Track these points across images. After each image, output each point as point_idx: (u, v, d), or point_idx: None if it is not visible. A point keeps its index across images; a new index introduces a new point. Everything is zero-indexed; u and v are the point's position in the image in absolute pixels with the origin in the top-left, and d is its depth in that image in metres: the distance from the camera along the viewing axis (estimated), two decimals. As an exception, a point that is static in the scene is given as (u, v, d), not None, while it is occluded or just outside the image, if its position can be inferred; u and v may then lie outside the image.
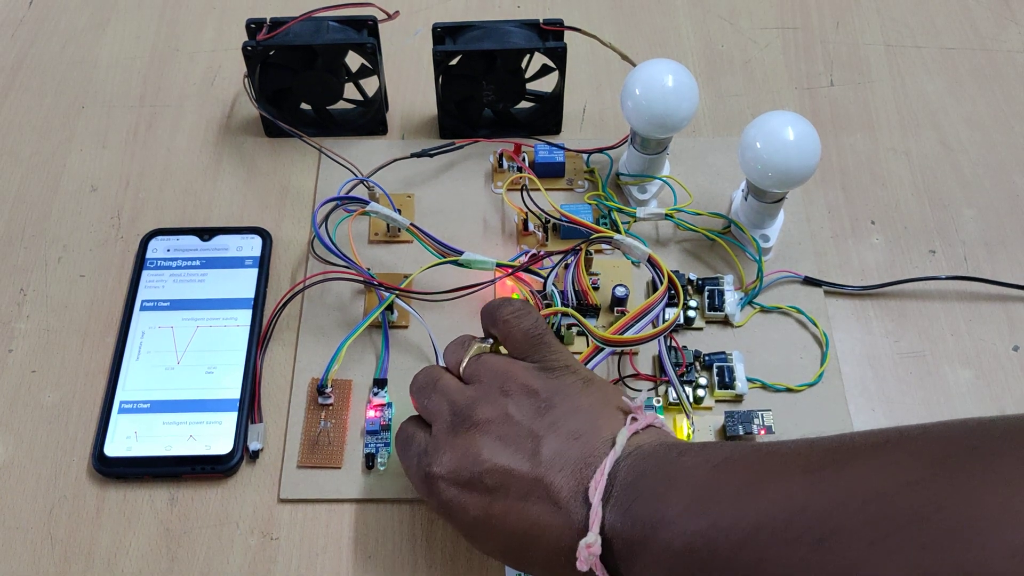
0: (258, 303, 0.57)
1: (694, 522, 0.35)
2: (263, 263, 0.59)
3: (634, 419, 0.42)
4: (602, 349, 0.50)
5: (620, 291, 0.55)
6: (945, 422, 0.32)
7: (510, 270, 0.55)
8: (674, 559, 0.35)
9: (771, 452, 0.36)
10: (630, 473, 0.39)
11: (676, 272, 0.55)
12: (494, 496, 0.41)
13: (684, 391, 0.52)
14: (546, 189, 0.59)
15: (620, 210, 0.59)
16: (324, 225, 0.57)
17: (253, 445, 0.51)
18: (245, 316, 0.56)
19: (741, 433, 0.51)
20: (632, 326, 0.50)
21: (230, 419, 0.52)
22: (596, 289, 0.56)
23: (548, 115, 0.65)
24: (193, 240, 0.60)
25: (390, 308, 0.56)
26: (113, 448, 0.51)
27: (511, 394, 0.43)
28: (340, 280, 0.57)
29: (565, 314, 0.53)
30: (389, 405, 0.53)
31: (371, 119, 0.65)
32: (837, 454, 0.33)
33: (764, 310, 0.57)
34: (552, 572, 0.41)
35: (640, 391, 0.53)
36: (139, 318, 0.56)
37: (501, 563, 0.47)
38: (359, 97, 0.64)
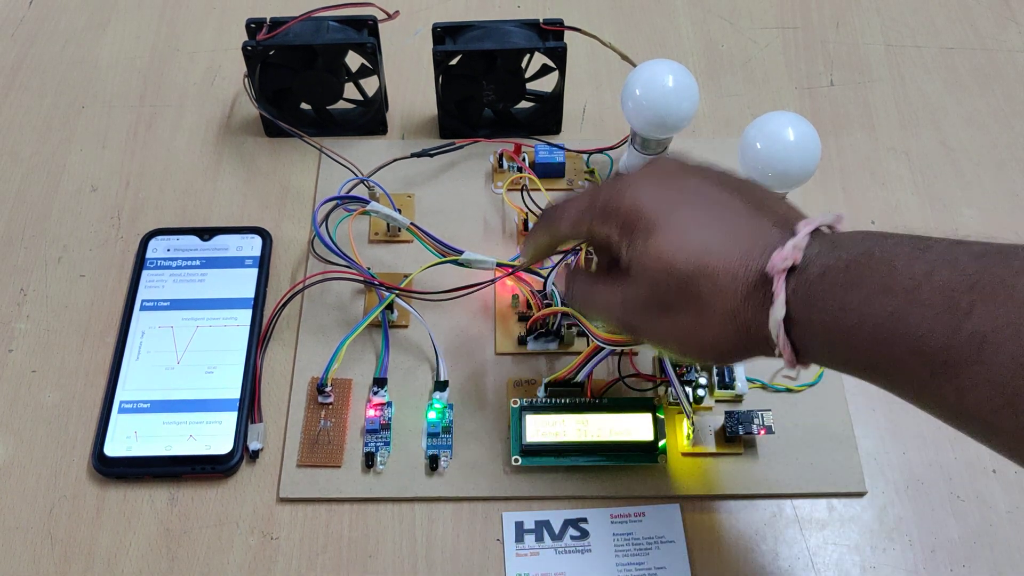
0: (258, 303, 0.57)
1: (884, 305, 0.34)
2: (263, 263, 0.59)
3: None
4: (602, 349, 0.50)
5: (620, 291, 0.55)
6: None
7: (510, 270, 0.55)
8: (853, 346, 0.35)
9: (1007, 257, 0.34)
10: (812, 256, 0.37)
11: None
12: (680, 196, 0.41)
13: (684, 391, 0.52)
14: (546, 189, 0.59)
15: (620, 210, 0.59)
16: (324, 225, 0.57)
17: (253, 445, 0.51)
18: (245, 316, 0.56)
19: (741, 434, 0.51)
20: (632, 326, 0.50)
21: (230, 419, 0.52)
22: (596, 289, 0.56)
23: (548, 115, 0.65)
24: (193, 240, 0.60)
25: (390, 307, 0.56)
26: (113, 448, 0.51)
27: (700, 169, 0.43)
28: (340, 279, 0.57)
29: (565, 314, 0.53)
30: (389, 404, 0.53)
31: (371, 119, 0.65)
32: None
33: (764, 310, 0.57)
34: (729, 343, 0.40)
35: (644, 390, 0.53)
36: (139, 318, 0.56)
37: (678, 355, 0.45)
38: (359, 97, 0.64)
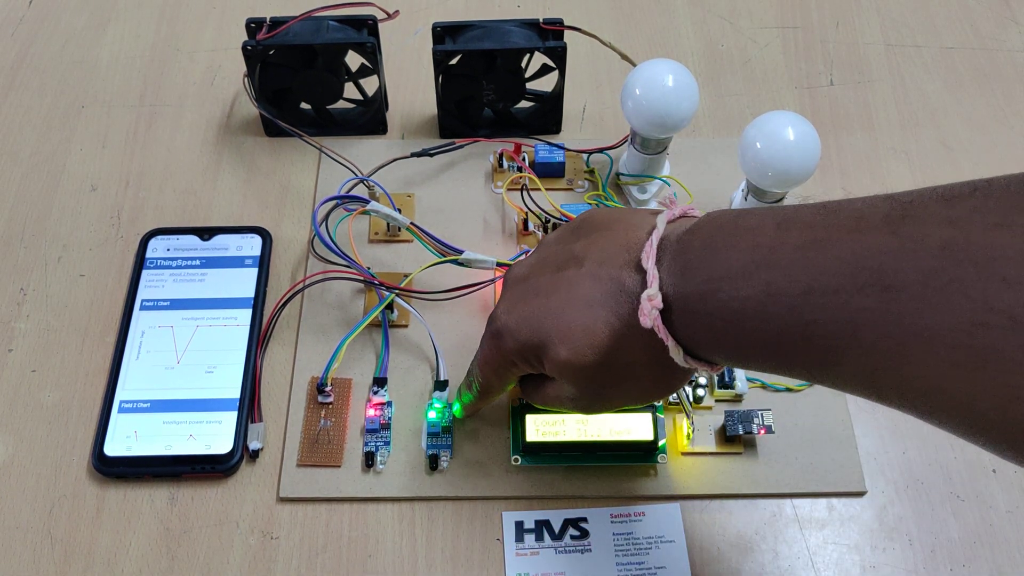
0: (258, 302, 0.57)
1: (753, 279, 0.34)
2: (263, 262, 0.59)
3: (669, 210, 0.41)
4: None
5: (620, 290, 0.55)
6: None
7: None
8: (731, 318, 0.35)
9: (841, 209, 0.34)
10: (685, 240, 0.38)
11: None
12: (548, 296, 0.41)
13: (684, 391, 0.52)
14: (546, 189, 0.59)
15: (620, 210, 0.59)
16: (324, 224, 0.57)
17: (253, 444, 0.51)
18: (245, 315, 0.56)
19: (741, 433, 0.51)
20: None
21: (230, 418, 0.52)
22: (596, 288, 0.56)
23: (548, 115, 0.65)
24: (193, 240, 0.60)
25: (390, 307, 0.56)
26: (113, 447, 0.51)
27: (539, 245, 0.46)
28: (340, 279, 0.57)
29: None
30: (389, 404, 0.53)
31: (371, 118, 0.65)
32: (914, 207, 0.31)
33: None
34: (619, 363, 0.40)
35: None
36: (139, 317, 0.56)
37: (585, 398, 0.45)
38: (359, 96, 0.64)
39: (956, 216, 0.29)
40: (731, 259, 0.35)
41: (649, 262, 0.38)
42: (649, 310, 0.37)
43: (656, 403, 0.52)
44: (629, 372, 0.41)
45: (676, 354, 0.38)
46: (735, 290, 0.35)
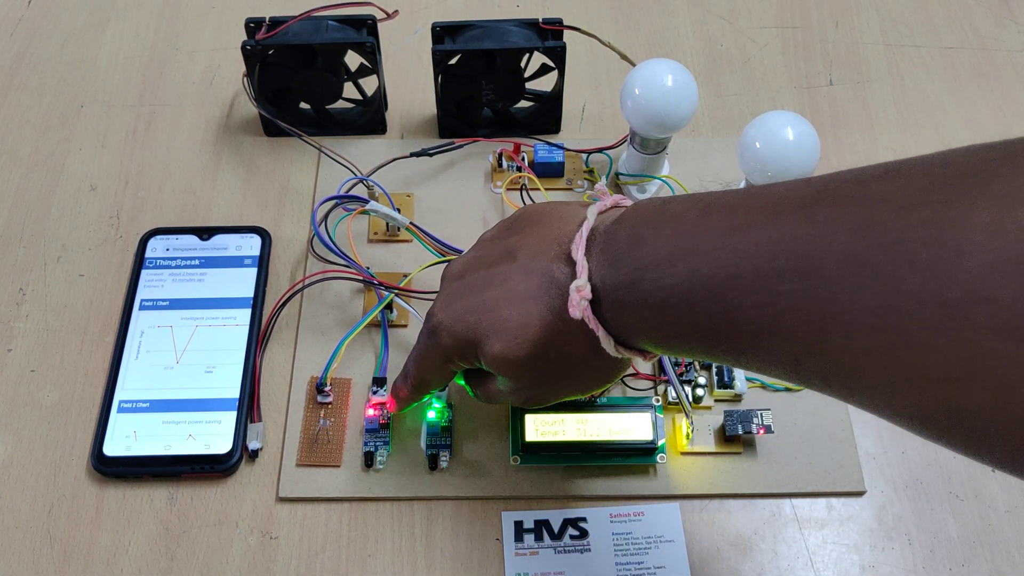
0: (257, 302, 0.57)
1: (677, 266, 0.34)
2: (262, 262, 0.59)
3: (600, 201, 0.41)
4: (601, 348, 0.50)
5: (619, 290, 0.55)
6: (946, 151, 0.30)
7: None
8: (657, 306, 0.35)
9: (761, 193, 0.34)
10: (612, 230, 0.38)
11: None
12: (483, 291, 0.42)
13: (683, 390, 0.52)
14: (545, 189, 0.59)
15: (619, 209, 0.59)
16: (323, 224, 0.57)
17: (252, 444, 0.51)
18: (244, 315, 0.56)
19: (740, 433, 0.51)
20: (631, 325, 0.50)
21: (229, 418, 0.52)
22: (595, 288, 0.56)
23: (547, 115, 0.65)
24: (192, 239, 0.60)
25: (389, 307, 0.56)
26: (112, 447, 0.51)
27: (477, 242, 0.46)
28: (339, 279, 0.57)
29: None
30: (388, 404, 0.53)
31: (370, 118, 0.65)
32: (829, 190, 0.32)
33: (763, 309, 0.57)
34: (549, 356, 0.41)
35: (643, 389, 0.53)
36: (138, 317, 0.56)
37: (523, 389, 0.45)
38: (358, 96, 0.64)
39: (867, 197, 0.30)
40: (655, 247, 0.36)
41: (578, 253, 0.38)
42: (578, 301, 0.37)
43: (655, 403, 0.52)
44: (564, 365, 0.41)
45: (607, 344, 0.38)
46: (660, 278, 0.35)
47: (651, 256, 0.36)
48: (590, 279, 0.38)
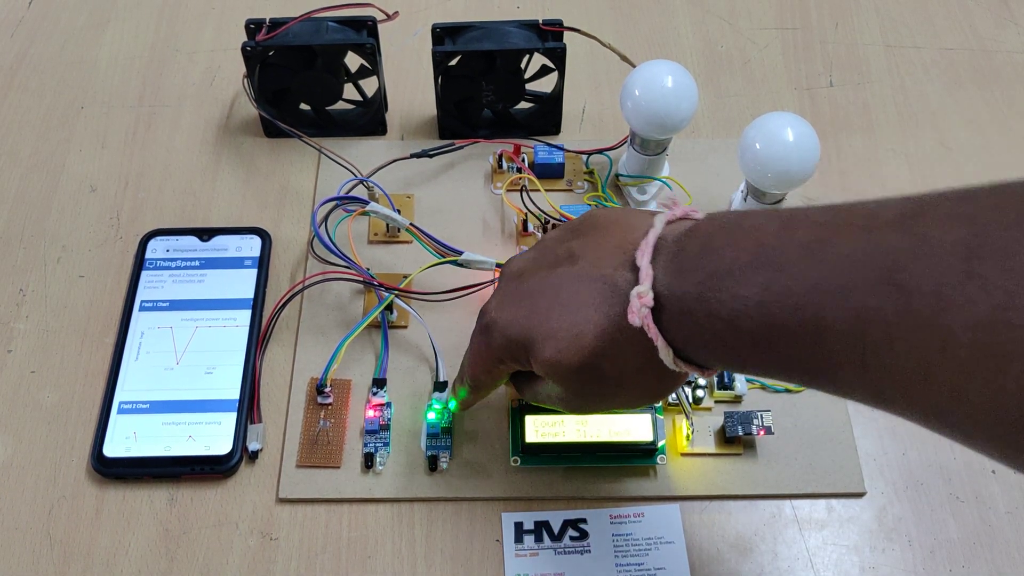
0: (257, 303, 0.57)
1: (754, 276, 0.33)
2: (262, 263, 0.59)
3: (669, 211, 0.39)
4: (601, 349, 0.50)
5: (619, 291, 0.55)
6: None
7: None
8: (728, 318, 0.34)
9: (850, 208, 0.33)
10: (682, 240, 0.37)
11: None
12: (539, 294, 0.41)
13: (683, 392, 0.52)
14: (545, 190, 0.59)
15: (619, 210, 0.59)
16: (324, 225, 0.57)
17: (252, 445, 0.51)
18: (244, 316, 0.56)
19: (740, 434, 0.51)
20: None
21: (229, 419, 0.52)
22: (595, 289, 0.56)
23: (547, 116, 0.65)
24: (192, 240, 0.60)
25: (389, 308, 0.56)
26: (112, 448, 0.51)
27: (539, 242, 0.45)
28: (339, 280, 0.57)
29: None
30: (388, 405, 0.53)
31: (371, 119, 0.65)
32: (929, 204, 0.30)
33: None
34: (608, 363, 0.39)
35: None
36: (138, 318, 0.56)
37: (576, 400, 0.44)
38: (358, 97, 0.64)
39: (973, 214, 0.29)
40: (731, 257, 0.34)
41: (643, 259, 0.37)
42: (639, 307, 0.36)
43: (656, 404, 0.52)
44: (618, 375, 0.40)
45: (666, 355, 0.37)
46: (734, 287, 0.34)
47: (726, 265, 0.34)
48: (654, 287, 0.36)
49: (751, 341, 0.34)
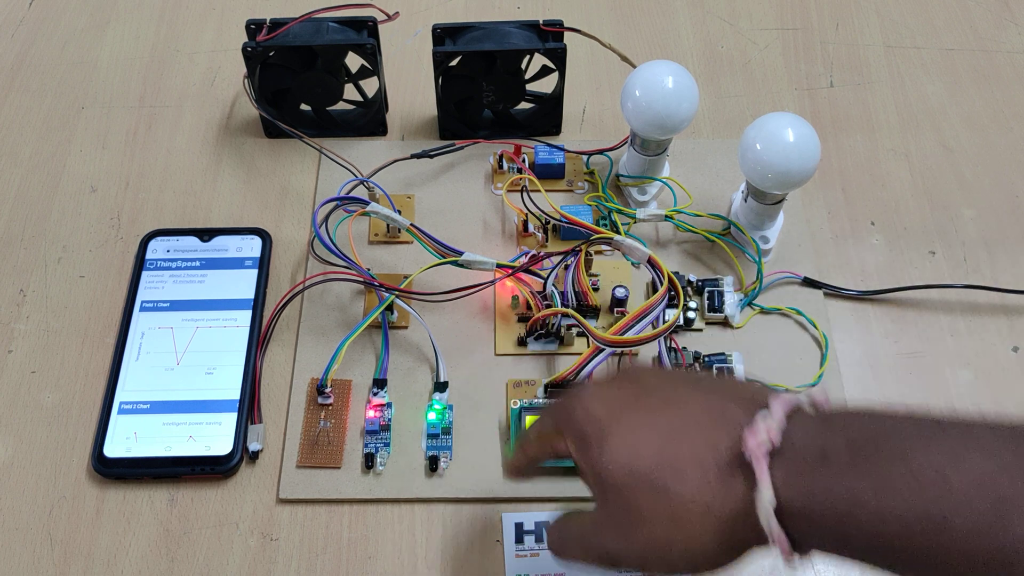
0: (258, 304, 0.57)
1: (889, 503, 0.31)
2: (263, 264, 0.59)
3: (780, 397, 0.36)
4: (602, 350, 0.50)
5: (620, 292, 0.55)
6: None
7: (510, 271, 0.55)
8: (868, 541, 0.31)
9: (980, 427, 0.32)
10: (799, 435, 0.34)
11: (676, 273, 0.55)
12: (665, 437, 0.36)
13: (684, 392, 0.52)
14: (546, 190, 0.59)
15: (620, 211, 0.59)
16: (324, 225, 0.57)
17: (253, 446, 0.51)
18: (245, 317, 0.56)
19: (741, 434, 0.50)
20: (632, 327, 0.50)
21: (230, 420, 0.52)
22: (596, 290, 0.56)
23: (548, 116, 0.65)
24: (193, 241, 0.60)
25: (390, 308, 0.56)
26: (113, 449, 0.51)
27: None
28: (340, 280, 0.57)
29: (565, 315, 0.53)
30: (389, 405, 0.53)
31: (371, 120, 0.65)
32: None
33: (764, 311, 0.57)
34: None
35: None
36: (139, 319, 0.56)
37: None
38: (359, 98, 0.64)
39: None
40: (867, 476, 0.31)
41: (760, 468, 0.33)
42: (778, 533, 0.33)
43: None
44: (681, 513, 0.35)
45: (786, 555, 0.33)
46: (885, 507, 0.31)
47: (858, 491, 0.31)
48: (775, 494, 0.33)
49: (896, 552, 0.32)
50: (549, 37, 0.60)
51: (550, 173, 0.62)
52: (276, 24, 0.59)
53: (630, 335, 0.50)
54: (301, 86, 0.62)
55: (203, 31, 0.73)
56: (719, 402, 0.37)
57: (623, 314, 0.54)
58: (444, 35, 0.60)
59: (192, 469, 0.51)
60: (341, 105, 0.64)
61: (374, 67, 0.61)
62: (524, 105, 0.64)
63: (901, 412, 0.33)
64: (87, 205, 0.62)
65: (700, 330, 0.56)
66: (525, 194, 0.59)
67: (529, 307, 0.55)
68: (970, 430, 0.32)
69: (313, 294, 0.58)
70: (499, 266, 0.54)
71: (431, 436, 0.52)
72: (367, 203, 0.56)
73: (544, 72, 0.62)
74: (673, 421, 0.36)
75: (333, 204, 0.56)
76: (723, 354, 0.54)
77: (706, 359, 0.54)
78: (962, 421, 0.32)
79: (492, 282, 0.56)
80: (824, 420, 0.34)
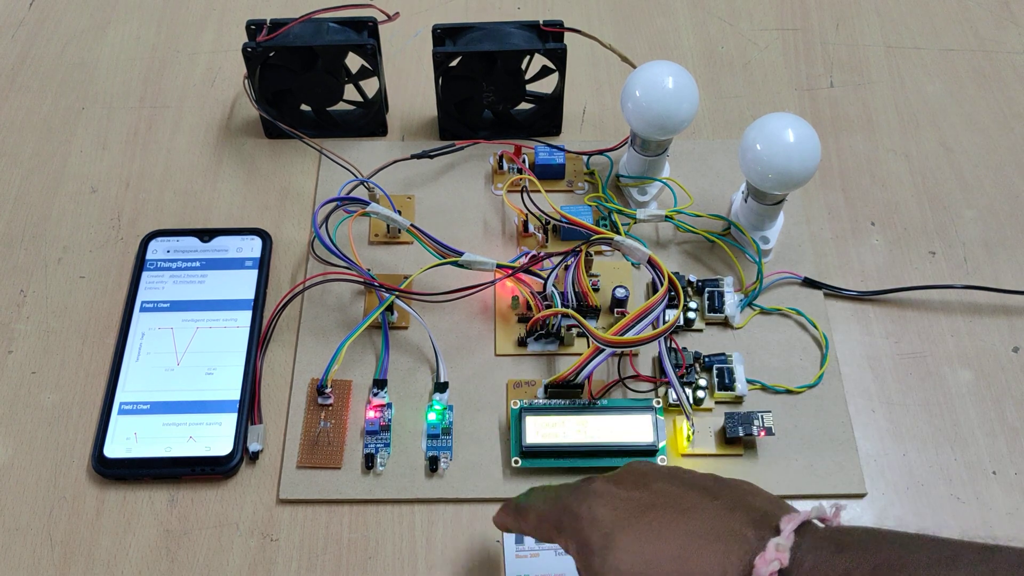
0: (258, 304, 0.57)
1: None
2: (263, 264, 0.59)
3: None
4: (602, 350, 0.50)
5: (620, 292, 0.55)
6: None
7: (510, 271, 0.55)
8: None
9: (999, 554, 0.32)
10: (811, 559, 0.34)
11: (676, 274, 0.55)
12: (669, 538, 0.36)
13: (684, 392, 0.52)
14: (546, 191, 0.59)
15: (620, 212, 0.59)
16: (324, 226, 0.57)
17: (253, 446, 0.51)
18: (245, 317, 0.56)
19: (741, 435, 0.51)
20: (632, 327, 0.50)
21: (230, 420, 0.52)
22: (596, 290, 0.56)
23: (548, 116, 0.65)
24: (193, 241, 0.60)
25: (390, 309, 0.56)
26: (113, 449, 0.51)
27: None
28: (340, 281, 0.57)
29: (565, 315, 0.53)
30: (389, 406, 0.53)
31: (371, 120, 0.65)
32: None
33: (764, 312, 0.57)
34: None
35: (644, 391, 0.53)
36: (139, 319, 0.56)
37: None
38: (359, 98, 0.64)
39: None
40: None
41: (789, 525, 0.34)
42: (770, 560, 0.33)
43: (656, 405, 0.52)
44: None
45: None
46: None
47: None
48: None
49: None
50: (549, 38, 0.60)
51: (550, 173, 0.62)
52: (276, 25, 0.59)
53: (630, 335, 0.50)
54: (301, 86, 0.62)
55: (203, 32, 0.73)
56: (730, 518, 0.36)
57: (623, 314, 0.54)
58: (444, 35, 0.60)
59: (192, 470, 0.51)
60: (341, 105, 0.64)
61: (374, 67, 0.61)
62: (524, 105, 0.64)
63: (917, 537, 0.33)
64: (87, 206, 0.62)
65: (700, 330, 0.56)
66: (525, 194, 0.58)
67: (529, 307, 0.55)
68: (989, 556, 0.31)
69: (313, 294, 0.58)
70: (499, 266, 0.54)
71: (431, 436, 0.52)
72: (367, 203, 0.56)
73: (544, 72, 0.62)
74: (683, 536, 0.36)
75: (333, 204, 0.56)
76: (723, 354, 0.54)
77: (706, 359, 0.54)
78: (979, 546, 0.32)
79: (492, 282, 0.56)
80: (838, 543, 0.34)
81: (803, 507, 0.36)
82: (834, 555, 0.33)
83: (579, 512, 0.38)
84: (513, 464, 0.51)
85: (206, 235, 0.60)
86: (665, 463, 0.50)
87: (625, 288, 0.56)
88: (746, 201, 0.58)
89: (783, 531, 0.34)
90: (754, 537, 0.35)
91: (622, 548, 0.36)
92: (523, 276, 0.55)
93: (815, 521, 0.35)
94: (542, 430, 0.50)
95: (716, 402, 0.53)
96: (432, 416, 0.52)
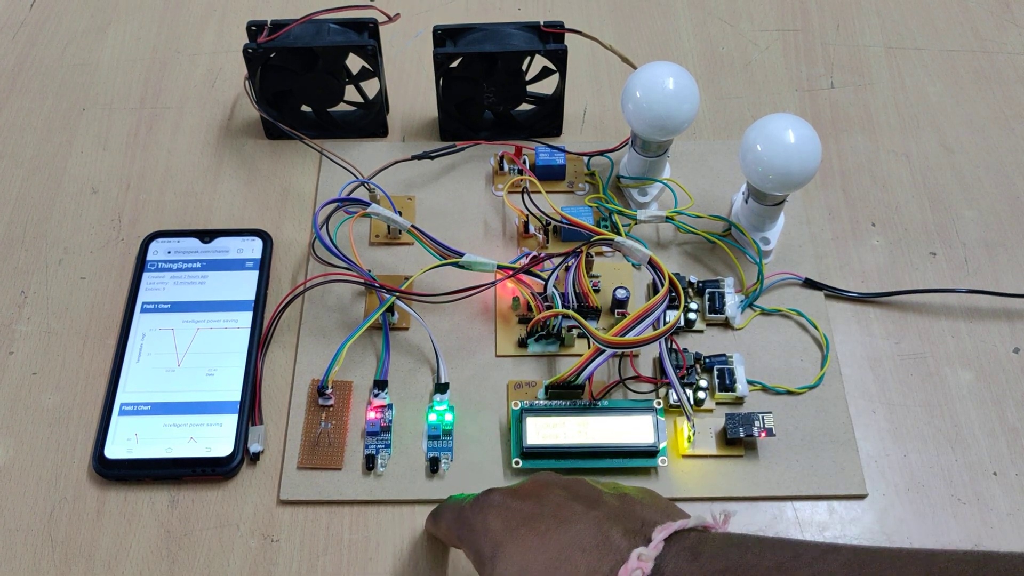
0: (259, 305, 0.57)
1: None
2: (264, 265, 0.59)
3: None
4: (603, 351, 0.50)
5: (621, 293, 0.55)
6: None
7: (511, 272, 0.55)
8: None
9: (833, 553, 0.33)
10: (671, 568, 0.35)
11: (677, 274, 0.55)
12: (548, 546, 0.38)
13: (685, 393, 0.52)
14: (547, 191, 0.59)
15: (621, 212, 0.59)
16: (325, 227, 0.57)
17: (253, 447, 0.51)
18: (246, 318, 0.56)
19: (742, 435, 0.51)
20: (633, 328, 0.50)
21: (230, 421, 0.52)
22: (597, 291, 0.56)
23: (548, 117, 0.65)
24: (194, 242, 0.60)
25: (391, 310, 0.56)
26: (113, 450, 0.51)
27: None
28: (341, 282, 0.57)
29: (566, 316, 0.53)
30: (390, 406, 0.53)
31: (372, 121, 0.65)
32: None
33: (764, 313, 0.57)
34: None
35: (644, 392, 0.53)
36: (140, 320, 0.56)
37: None
38: (360, 99, 0.64)
39: None
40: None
41: (659, 534, 0.35)
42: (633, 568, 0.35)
43: (657, 406, 0.52)
44: None
45: None
46: None
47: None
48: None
49: None
50: (550, 38, 0.60)
51: (551, 174, 0.62)
52: (277, 26, 0.59)
53: (631, 336, 0.50)
54: (302, 87, 0.62)
55: (204, 33, 0.73)
56: (607, 528, 0.37)
57: (624, 315, 0.54)
58: (445, 36, 0.60)
59: (193, 470, 0.51)
60: (342, 106, 0.64)
61: (375, 68, 0.61)
62: (525, 106, 0.64)
63: (769, 541, 0.35)
64: (88, 206, 0.62)
65: (701, 331, 0.56)
66: (526, 195, 0.59)
67: (530, 308, 0.55)
68: (827, 556, 0.33)
69: (314, 295, 0.58)
70: (500, 267, 0.54)
71: (432, 437, 0.52)
72: (368, 204, 0.56)
73: (545, 73, 0.62)
74: (558, 546, 0.37)
75: (334, 205, 0.56)
76: (724, 355, 0.54)
77: (707, 360, 0.54)
78: (822, 547, 0.34)
79: (493, 283, 0.56)
80: (694, 551, 0.35)
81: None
82: (689, 562, 0.35)
83: (474, 524, 0.41)
84: (514, 465, 0.51)
85: (207, 236, 0.60)
86: (666, 464, 0.51)
87: (626, 289, 0.56)
88: (747, 202, 0.58)
89: (653, 540, 0.35)
90: (626, 547, 0.36)
91: (506, 557, 0.38)
92: (524, 277, 0.55)
93: (699, 529, 0.37)
94: (543, 431, 0.50)
95: (717, 403, 0.53)
96: (433, 417, 0.52)
